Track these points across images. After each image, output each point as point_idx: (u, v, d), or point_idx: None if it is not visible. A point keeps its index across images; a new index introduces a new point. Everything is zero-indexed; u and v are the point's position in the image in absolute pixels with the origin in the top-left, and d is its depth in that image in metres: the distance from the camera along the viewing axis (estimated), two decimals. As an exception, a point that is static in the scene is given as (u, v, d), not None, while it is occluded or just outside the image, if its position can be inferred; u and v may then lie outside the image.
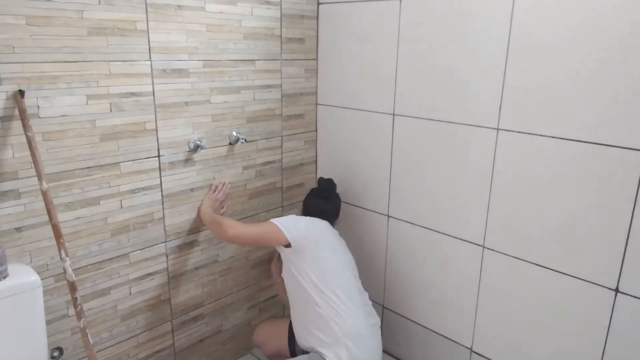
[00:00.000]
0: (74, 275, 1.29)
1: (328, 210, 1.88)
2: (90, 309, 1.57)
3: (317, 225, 1.75)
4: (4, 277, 1.26)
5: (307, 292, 1.62)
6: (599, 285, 1.41)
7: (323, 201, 1.89)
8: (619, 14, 1.26)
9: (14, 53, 1.27)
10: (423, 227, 1.84)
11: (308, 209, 1.89)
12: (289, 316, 1.80)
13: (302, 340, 1.68)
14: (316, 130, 2.18)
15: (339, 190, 1.97)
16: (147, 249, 1.68)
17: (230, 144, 1.84)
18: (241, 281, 2.04)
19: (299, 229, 1.66)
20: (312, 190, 1.96)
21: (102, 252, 1.56)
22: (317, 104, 2.14)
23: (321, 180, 1.96)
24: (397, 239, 1.95)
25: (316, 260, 1.65)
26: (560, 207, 1.45)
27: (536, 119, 1.45)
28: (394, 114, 1.85)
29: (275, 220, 1.68)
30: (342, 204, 1.99)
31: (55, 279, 1.47)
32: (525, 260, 1.56)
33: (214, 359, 2.03)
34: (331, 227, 1.80)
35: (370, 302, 1.74)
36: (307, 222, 1.72)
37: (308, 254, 1.65)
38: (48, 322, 1.44)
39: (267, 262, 2.11)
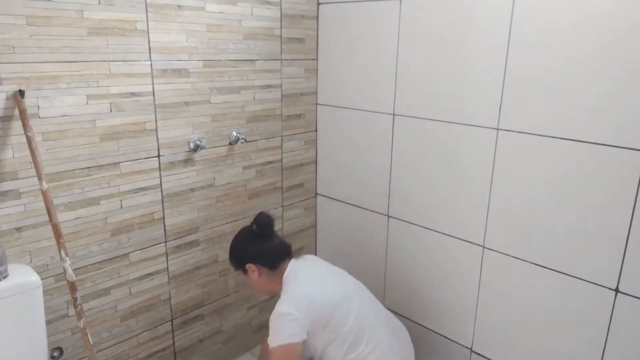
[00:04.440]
0: (74, 275, 1.29)
1: (282, 251, 1.57)
2: (90, 309, 1.57)
3: (310, 292, 1.49)
4: (4, 277, 1.26)
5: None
6: (599, 285, 1.41)
7: (265, 242, 1.57)
8: (619, 13, 1.26)
9: (14, 53, 1.27)
10: (423, 227, 1.84)
11: (251, 256, 1.57)
12: None
13: None
14: (316, 130, 2.18)
15: (340, 190, 1.94)
16: (147, 249, 1.68)
17: (230, 144, 1.84)
18: (241, 281, 2.04)
19: (300, 323, 1.43)
20: (246, 231, 1.62)
21: (102, 252, 1.56)
22: (317, 104, 2.14)
23: (261, 216, 1.59)
24: (397, 239, 1.95)
25: (330, 332, 1.47)
26: (560, 207, 1.45)
27: (536, 119, 1.45)
28: (394, 114, 1.85)
29: (277, 341, 1.44)
30: (343, 205, 1.97)
31: (55, 279, 1.47)
32: (525, 260, 1.56)
33: (214, 359, 2.03)
34: (315, 262, 1.61)
35: (386, 311, 1.67)
36: (297, 300, 1.46)
37: (322, 335, 1.47)
38: (48, 322, 1.44)
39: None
